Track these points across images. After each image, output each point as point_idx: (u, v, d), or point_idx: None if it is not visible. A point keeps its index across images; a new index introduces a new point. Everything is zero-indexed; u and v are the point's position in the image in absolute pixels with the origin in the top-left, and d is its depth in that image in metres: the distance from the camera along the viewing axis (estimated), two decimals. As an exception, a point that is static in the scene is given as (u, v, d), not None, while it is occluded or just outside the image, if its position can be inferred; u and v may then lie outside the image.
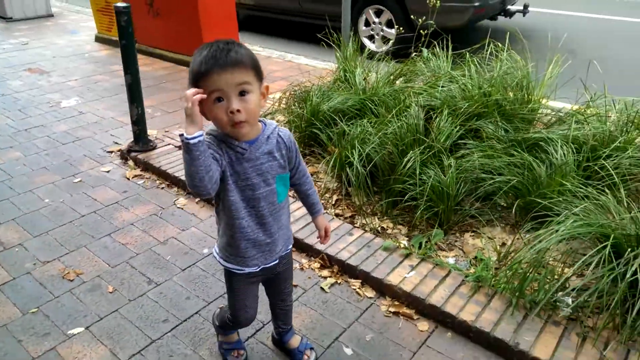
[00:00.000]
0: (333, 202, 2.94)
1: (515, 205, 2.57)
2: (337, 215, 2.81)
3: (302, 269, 2.46)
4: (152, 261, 2.53)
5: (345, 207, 2.89)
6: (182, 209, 3.02)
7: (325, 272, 2.43)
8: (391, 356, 1.96)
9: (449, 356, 1.97)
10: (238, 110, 1.32)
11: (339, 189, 3.03)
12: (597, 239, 2.11)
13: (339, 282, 2.37)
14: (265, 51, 6.43)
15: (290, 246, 1.72)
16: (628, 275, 1.87)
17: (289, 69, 5.74)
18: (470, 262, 2.43)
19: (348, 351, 1.99)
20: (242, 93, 1.33)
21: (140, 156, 3.53)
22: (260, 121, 1.48)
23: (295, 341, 1.94)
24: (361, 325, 2.12)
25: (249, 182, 1.46)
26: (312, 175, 3.17)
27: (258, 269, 1.61)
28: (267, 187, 1.50)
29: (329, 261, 2.47)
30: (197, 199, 3.10)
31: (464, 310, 2.09)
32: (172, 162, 3.43)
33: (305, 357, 1.91)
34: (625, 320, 1.91)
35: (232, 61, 1.30)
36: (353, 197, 2.91)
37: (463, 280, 2.26)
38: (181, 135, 1.30)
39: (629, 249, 1.96)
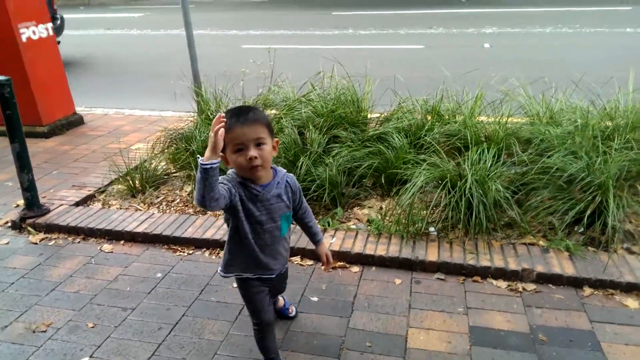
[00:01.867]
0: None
1: (381, 180, 3.61)
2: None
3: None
4: (114, 295, 2.78)
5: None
6: (112, 252, 3.25)
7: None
8: (343, 292, 2.72)
9: (379, 280, 2.82)
10: (255, 157, 1.68)
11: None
12: (438, 181, 3.25)
13: (282, 262, 3.03)
14: (100, 109, 6.55)
15: (286, 266, 2.15)
16: (464, 197, 3.02)
17: (135, 122, 6.03)
18: (366, 224, 3.36)
19: (314, 299, 2.68)
20: (258, 144, 1.69)
21: (40, 220, 3.55)
22: (272, 168, 1.86)
23: (279, 302, 2.49)
24: (314, 282, 2.82)
25: (259, 218, 1.82)
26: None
27: (255, 276, 1.96)
28: (273, 224, 1.86)
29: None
30: (121, 241, 3.35)
31: (377, 250, 2.99)
32: (77, 218, 3.57)
33: (290, 310, 2.53)
34: (469, 225, 3.05)
35: (251, 120, 1.68)
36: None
37: (368, 234, 3.17)
38: (198, 158, 1.59)
39: (458, 182, 3.13)
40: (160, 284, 2.88)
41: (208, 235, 3.24)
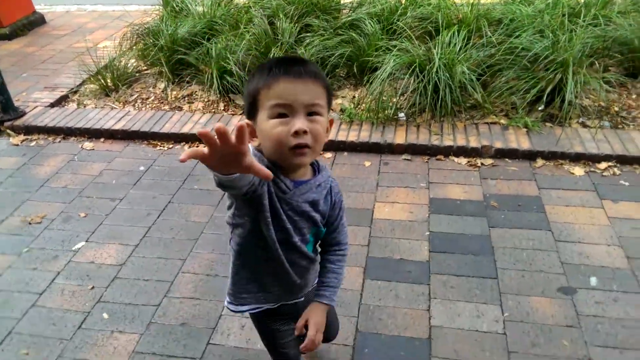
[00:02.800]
0: (222, 108, 3.63)
1: (354, 70, 3.65)
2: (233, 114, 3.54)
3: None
4: (101, 188, 2.95)
5: (236, 109, 3.62)
6: (94, 149, 3.36)
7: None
8: (317, 176, 2.92)
9: (350, 163, 3.02)
10: (305, 131, 1.03)
11: (222, 99, 3.70)
12: (407, 67, 3.32)
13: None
14: (60, 7, 6.22)
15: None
16: (431, 81, 3.12)
17: (99, 18, 5.78)
18: (339, 114, 3.47)
19: (290, 182, 2.88)
20: (312, 113, 1.06)
21: (17, 123, 3.59)
22: (313, 163, 1.22)
23: None
24: (289, 167, 3.01)
25: (285, 225, 1.17)
26: (189, 95, 3.77)
27: (276, 305, 1.37)
28: (300, 237, 1.22)
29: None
30: (101, 139, 3.45)
31: (349, 136, 3.14)
32: (54, 118, 3.61)
33: None
34: (436, 109, 3.18)
35: (309, 72, 1.06)
36: (238, 100, 3.64)
37: (341, 122, 3.30)
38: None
39: (427, 66, 3.20)
40: (144, 176, 3.04)
41: (186, 129, 3.34)
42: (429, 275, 2.21)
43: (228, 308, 1.37)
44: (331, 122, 1.17)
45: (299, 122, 1.03)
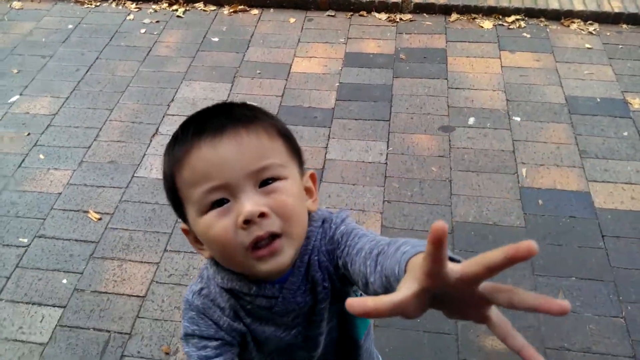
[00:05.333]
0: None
1: None
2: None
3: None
4: (31, 46, 3.04)
5: None
6: (23, 9, 3.35)
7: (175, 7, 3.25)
8: (241, 32, 3.04)
9: (275, 20, 3.11)
10: (262, 215, 0.63)
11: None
12: None
13: (188, 9, 3.23)
14: None
15: None
16: None
17: None
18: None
19: (215, 39, 3.00)
20: (266, 182, 0.65)
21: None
22: None
23: None
24: (215, 25, 3.11)
25: (291, 340, 0.79)
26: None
27: None
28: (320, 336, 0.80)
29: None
30: (30, -2, 3.42)
31: (275, -8, 3.18)
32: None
33: None
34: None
35: (239, 119, 0.66)
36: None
37: (268, -23, 3.30)
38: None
39: None
40: (73, 33, 3.10)
41: (113, -14, 3.32)
42: (332, 119, 2.49)
43: None
44: (313, 177, 0.75)
45: (248, 204, 0.62)
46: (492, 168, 2.21)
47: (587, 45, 2.77)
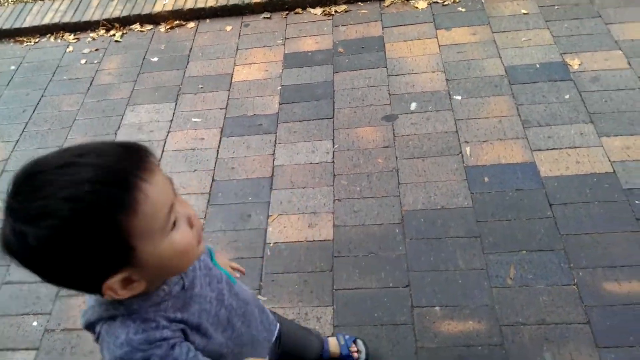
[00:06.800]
0: (86, -10, 3.50)
1: None
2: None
3: (94, 39, 3.20)
4: None
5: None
6: None
7: (112, 32, 3.22)
8: (180, 48, 3.02)
9: (212, 30, 3.09)
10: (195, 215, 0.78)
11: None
12: None
13: (125, 32, 3.20)
14: None
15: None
16: None
17: None
18: (202, -22, 3.40)
19: (154, 59, 2.98)
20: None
21: None
22: None
23: (334, 347, 1.62)
24: (154, 44, 3.08)
25: (216, 308, 0.91)
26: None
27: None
28: (228, 293, 0.96)
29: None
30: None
31: (208, 2, 3.15)
32: None
33: (355, 354, 1.63)
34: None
35: (148, 152, 0.71)
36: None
37: (202, -12, 3.27)
38: None
39: None
40: (16, 74, 3.08)
41: (47, 20, 3.28)
42: (277, 124, 2.48)
43: None
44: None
45: (189, 209, 0.76)
46: (436, 151, 2.22)
47: (523, 11, 2.76)
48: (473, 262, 1.84)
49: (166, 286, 0.79)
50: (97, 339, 0.79)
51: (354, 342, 1.66)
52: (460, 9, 2.86)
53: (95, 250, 0.63)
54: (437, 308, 1.75)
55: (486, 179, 2.08)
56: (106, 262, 0.66)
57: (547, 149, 2.14)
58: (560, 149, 2.13)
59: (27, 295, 2.02)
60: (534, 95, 2.35)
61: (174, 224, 0.71)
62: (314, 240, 2.00)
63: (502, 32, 2.68)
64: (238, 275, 1.14)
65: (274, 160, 2.33)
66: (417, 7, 2.92)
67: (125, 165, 0.65)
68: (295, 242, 2.00)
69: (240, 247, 2.04)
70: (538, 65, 2.47)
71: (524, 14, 2.75)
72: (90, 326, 0.78)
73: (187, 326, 0.82)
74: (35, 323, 1.94)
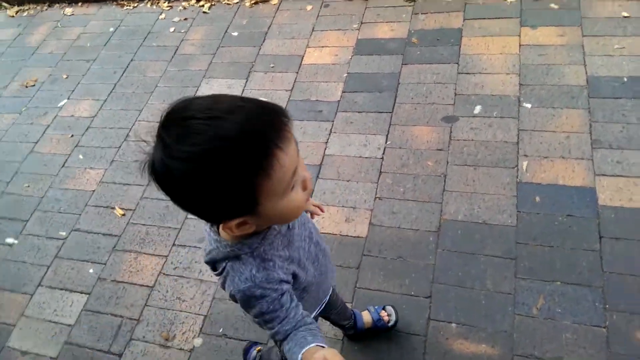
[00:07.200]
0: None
1: None
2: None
3: (185, 8, 3.40)
4: (79, 51, 3.37)
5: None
6: (73, 14, 3.69)
7: (201, 2, 3.39)
8: (260, 24, 3.11)
9: (293, 9, 3.14)
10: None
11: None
12: None
13: (213, 3, 3.36)
14: None
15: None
16: None
17: None
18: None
19: (235, 34, 3.11)
20: None
21: (9, -6, 3.94)
22: None
23: (367, 317, 1.74)
24: (237, 18, 3.20)
25: (307, 255, 1.06)
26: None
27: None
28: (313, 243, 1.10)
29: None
30: (79, 3, 3.75)
31: (293, -21, 3.19)
32: (39, -14, 3.90)
33: (385, 318, 1.74)
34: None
35: (287, 119, 0.78)
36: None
37: (289, -37, 3.30)
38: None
39: None
40: (113, 37, 3.38)
41: (147, -14, 3.53)
42: (336, 113, 2.51)
43: None
44: None
45: (306, 172, 0.85)
46: (490, 161, 2.13)
47: (624, 14, 2.47)
48: (502, 284, 1.79)
49: (277, 225, 0.93)
50: (219, 273, 0.94)
51: (383, 308, 1.77)
52: (552, 5, 2.62)
53: (226, 198, 0.76)
54: (453, 325, 1.74)
55: (538, 199, 1.97)
56: (232, 209, 0.79)
57: (613, 175, 1.96)
58: (628, 177, 1.95)
59: (89, 245, 2.31)
60: (612, 112, 2.14)
61: (293, 186, 0.81)
62: (347, 235, 2.05)
63: (594, 36, 2.43)
64: (319, 212, 1.23)
65: (325, 149, 2.38)
66: (505, 0, 2.73)
67: (268, 131, 0.74)
68: (329, 233, 2.06)
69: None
70: (626, 79, 2.23)
71: (625, 17, 2.46)
72: (213, 262, 0.94)
73: (293, 264, 0.96)
74: (91, 270, 2.22)
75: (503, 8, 2.70)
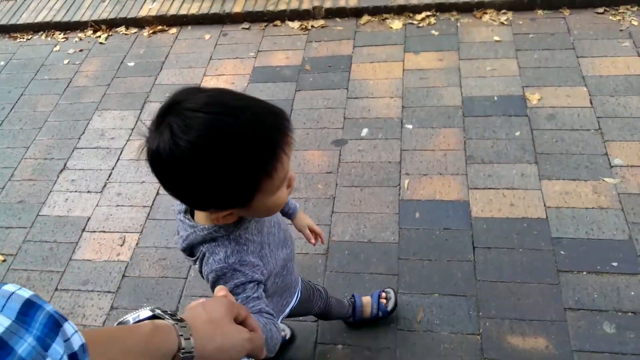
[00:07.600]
0: (81, -11, 3.62)
1: None
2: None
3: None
4: (-35, 87, 3.18)
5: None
6: None
7: (98, 33, 3.32)
8: (157, 54, 3.08)
9: (191, 38, 3.14)
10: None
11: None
12: None
13: (111, 34, 3.30)
14: None
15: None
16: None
17: None
18: (190, -17, 3.46)
19: (131, 64, 3.06)
20: None
21: None
22: None
23: (367, 306, 1.76)
24: (134, 48, 3.16)
25: (277, 240, 1.07)
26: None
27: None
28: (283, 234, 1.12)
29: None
30: None
31: (191, 9, 3.20)
32: None
33: (383, 301, 1.78)
34: (275, -30, 3.16)
35: (291, 125, 0.82)
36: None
37: (186, -6, 3.32)
38: None
39: None
40: (3, 70, 3.23)
41: (41, 18, 3.41)
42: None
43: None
44: None
45: (291, 170, 0.88)
46: (376, 181, 2.21)
47: (496, 38, 2.69)
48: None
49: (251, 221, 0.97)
50: (195, 260, 0.96)
51: (383, 291, 1.80)
52: (433, 32, 2.81)
53: (226, 192, 0.79)
54: (339, 346, 1.76)
55: (417, 215, 2.06)
56: (227, 202, 0.83)
57: (484, 188, 2.10)
58: (497, 189, 2.09)
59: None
60: (484, 130, 2.30)
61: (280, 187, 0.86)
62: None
63: (469, 59, 2.61)
64: (313, 240, 1.33)
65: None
66: (392, 28, 2.88)
67: (275, 135, 0.78)
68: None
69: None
70: (496, 98, 2.41)
71: (496, 41, 2.67)
72: (190, 248, 0.96)
73: (264, 249, 0.99)
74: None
75: (389, 35, 2.85)
